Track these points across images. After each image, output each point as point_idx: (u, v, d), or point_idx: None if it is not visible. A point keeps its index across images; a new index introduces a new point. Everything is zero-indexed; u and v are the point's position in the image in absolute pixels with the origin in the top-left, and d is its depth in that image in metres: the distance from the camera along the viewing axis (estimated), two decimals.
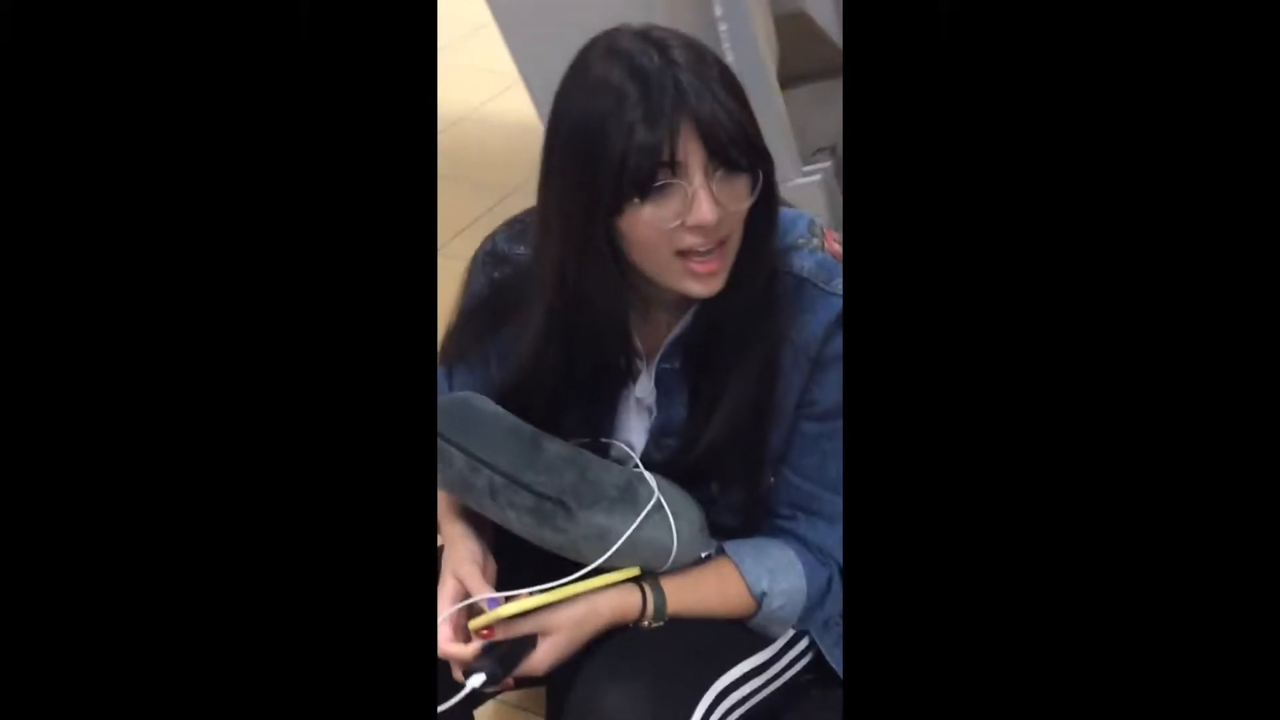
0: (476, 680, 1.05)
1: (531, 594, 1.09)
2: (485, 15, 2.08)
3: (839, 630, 1.24)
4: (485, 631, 1.08)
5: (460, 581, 1.11)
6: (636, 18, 1.07)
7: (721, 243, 1.03)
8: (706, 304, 1.09)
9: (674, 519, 1.12)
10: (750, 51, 2.32)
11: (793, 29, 2.91)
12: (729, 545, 1.18)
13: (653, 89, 0.98)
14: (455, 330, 1.23)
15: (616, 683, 1.08)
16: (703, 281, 1.04)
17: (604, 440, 1.19)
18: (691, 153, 0.99)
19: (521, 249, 1.18)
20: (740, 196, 1.03)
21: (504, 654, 1.07)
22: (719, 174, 1.00)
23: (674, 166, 0.99)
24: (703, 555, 1.16)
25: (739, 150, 1.00)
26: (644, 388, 1.18)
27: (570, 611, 1.10)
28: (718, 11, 2.03)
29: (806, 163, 2.60)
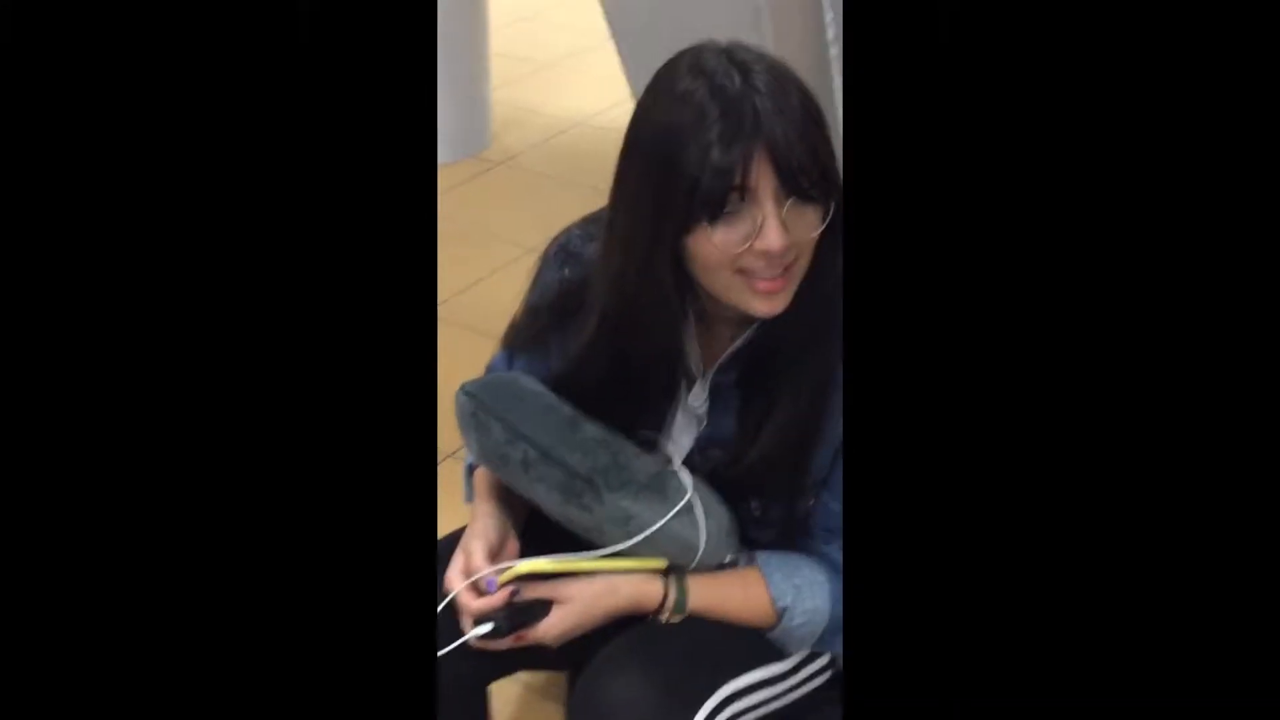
0: (482, 629, 1.09)
1: (554, 559, 1.12)
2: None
3: None
4: (508, 589, 1.11)
5: (466, 557, 1.14)
6: (748, 37, 1.07)
7: (788, 266, 1.04)
8: (768, 323, 1.10)
9: (704, 518, 1.13)
10: None
11: None
12: (760, 556, 1.19)
13: (731, 111, 0.98)
14: (520, 321, 1.26)
15: (625, 672, 1.10)
16: (767, 301, 1.05)
17: (648, 438, 1.20)
18: (763, 179, 0.99)
19: (593, 247, 1.19)
20: (810, 225, 1.03)
21: (514, 612, 1.10)
22: (790, 202, 1.00)
23: (744, 191, 0.99)
24: (728, 560, 1.17)
25: (810, 180, 1.00)
26: (698, 397, 1.19)
27: (588, 585, 1.12)
28: (829, 34, 2.02)
29: None
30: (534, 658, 1.19)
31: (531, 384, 1.19)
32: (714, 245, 1.02)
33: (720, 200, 0.99)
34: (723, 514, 1.17)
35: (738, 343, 1.16)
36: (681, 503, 1.12)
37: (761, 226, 1.00)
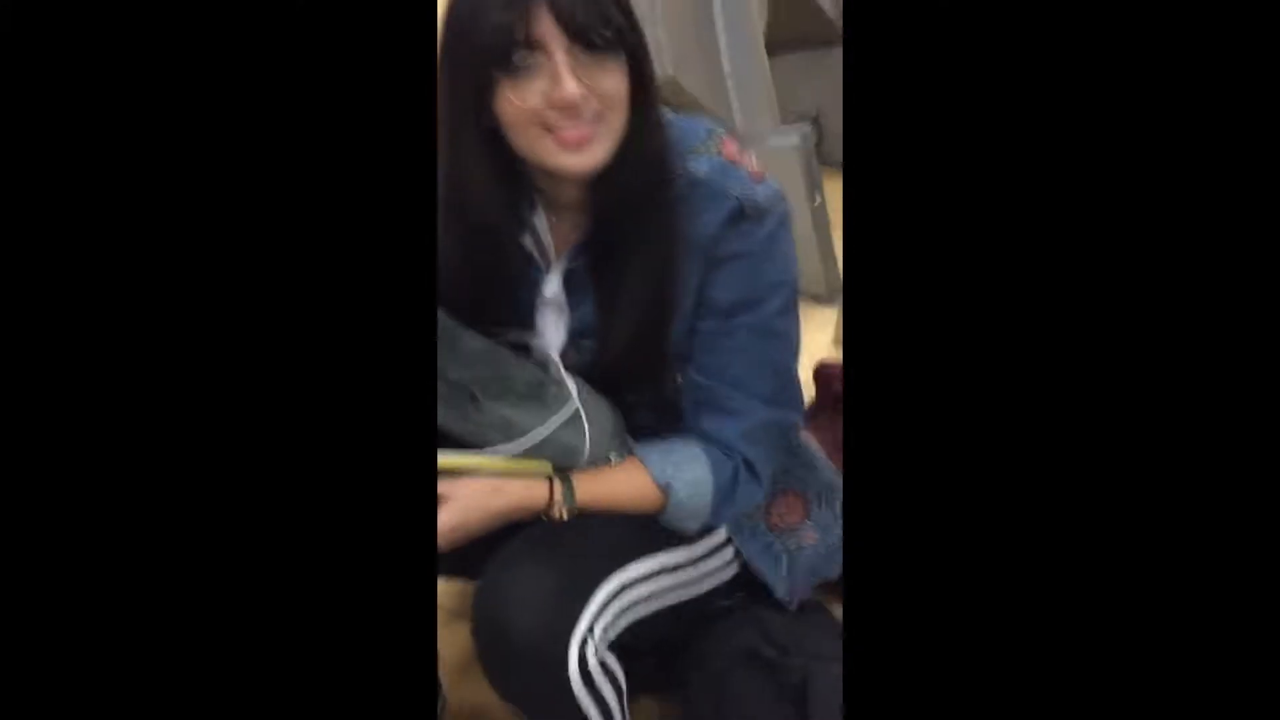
0: None
1: (440, 455, 1.14)
2: None
3: (768, 539, 1.29)
4: None
5: None
6: None
7: (596, 119, 1.06)
8: (605, 204, 1.13)
9: (588, 424, 1.17)
10: (740, 6, 2.36)
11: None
12: (637, 446, 1.22)
13: None
14: None
15: (519, 567, 1.13)
16: (576, 154, 1.07)
17: (519, 339, 1.22)
18: (548, 31, 1.02)
19: None
20: (612, 77, 1.06)
21: None
22: (581, 52, 1.03)
23: (531, 44, 1.02)
24: (613, 460, 1.21)
25: (599, 32, 1.03)
26: (553, 288, 1.21)
27: (473, 485, 1.14)
28: None
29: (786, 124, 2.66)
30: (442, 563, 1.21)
31: None
32: (513, 102, 1.04)
33: (505, 54, 1.02)
34: (606, 416, 1.21)
35: (584, 229, 1.18)
36: (563, 410, 1.16)
37: (555, 77, 1.03)
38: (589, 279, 1.19)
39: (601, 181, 1.11)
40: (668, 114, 1.16)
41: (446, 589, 1.70)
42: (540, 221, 1.19)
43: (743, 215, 1.13)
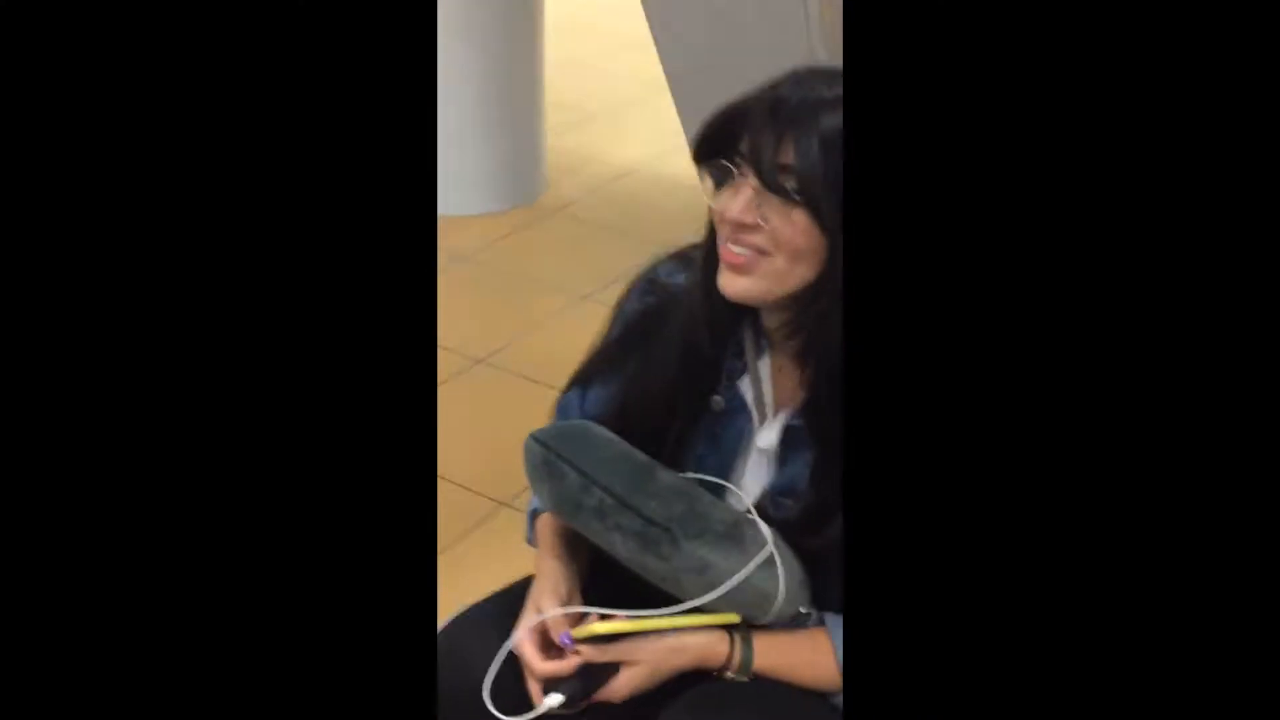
0: (554, 700, 1.06)
1: (626, 617, 1.10)
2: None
3: None
4: (577, 657, 1.09)
5: (539, 612, 1.14)
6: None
7: (759, 254, 1.06)
8: (832, 372, 1.08)
9: (782, 570, 1.11)
10: None
11: None
12: (830, 618, 1.15)
13: (765, 102, 1.05)
14: (599, 350, 1.26)
15: None
16: (728, 273, 1.08)
17: (719, 482, 1.18)
18: (750, 160, 1.05)
19: (680, 279, 1.22)
20: (789, 223, 1.03)
21: (586, 677, 1.08)
22: (764, 190, 1.04)
23: (737, 159, 1.06)
24: (803, 611, 1.14)
25: (777, 182, 1.03)
26: (767, 439, 1.17)
27: (657, 644, 1.10)
28: None
29: None
30: (598, 713, 1.16)
31: (602, 432, 1.18)
32: (710, 204, 1.09)
33: (709, 150, 1.08)
34: (796, 565, 1.14)
35: (811, 388, 1.14)
36: (761, 554, 1.10)
37: (734, 192, 1.06)
38: (809, 442, 1.15)
39: (814, 339, 1.09)
40: None
41: None
42: (764, 367, 1.16)
43: None
